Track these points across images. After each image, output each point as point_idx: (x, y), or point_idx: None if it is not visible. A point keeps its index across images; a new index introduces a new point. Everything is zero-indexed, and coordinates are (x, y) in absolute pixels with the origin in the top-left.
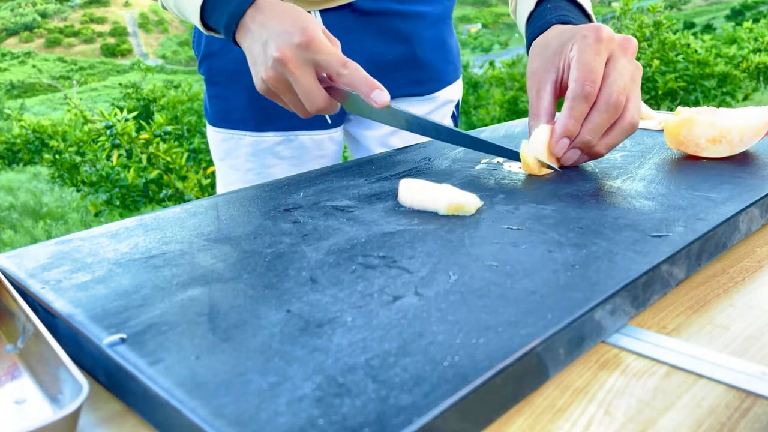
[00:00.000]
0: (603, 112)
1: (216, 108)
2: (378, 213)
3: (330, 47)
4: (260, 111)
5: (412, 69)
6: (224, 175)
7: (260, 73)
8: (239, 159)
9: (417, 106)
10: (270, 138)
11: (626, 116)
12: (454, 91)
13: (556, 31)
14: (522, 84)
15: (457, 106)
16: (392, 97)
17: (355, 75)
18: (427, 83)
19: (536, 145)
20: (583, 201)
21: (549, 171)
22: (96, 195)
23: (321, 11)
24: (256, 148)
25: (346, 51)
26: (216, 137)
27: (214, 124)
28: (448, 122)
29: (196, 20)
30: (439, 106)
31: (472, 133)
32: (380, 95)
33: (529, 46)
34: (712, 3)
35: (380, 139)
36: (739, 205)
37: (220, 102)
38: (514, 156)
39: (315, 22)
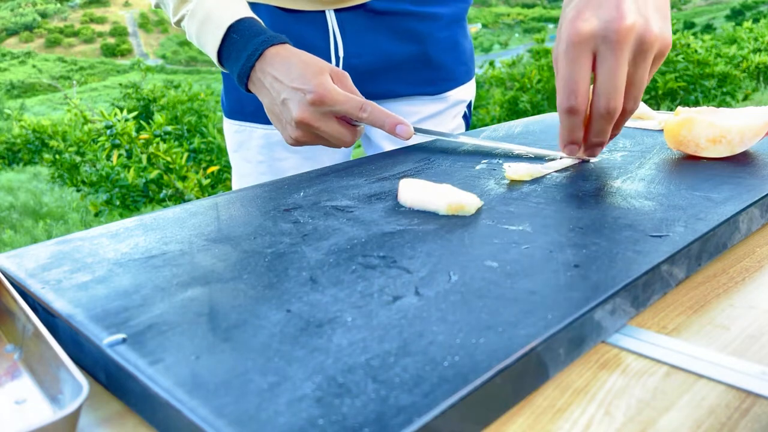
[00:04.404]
0: (600, 119)
1: (231, 100)
2: (378, 213)
3: (343, 95)
4: None
5: (424, 69)
6: (237, 166)
7: (288, 131)
8: (251, 151)
9: (429, 105)
10: None
11: (626, 108)
12: (467, 92)
13: (570, 6)
14: (522, 84)
15: (469, 106)
16: (404, 96)
17: (375, 114)
18: (439, 83)
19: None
20: (583, 201)
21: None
22: (96, 195)
23: (335, 11)
24: (268, 141)
25: (359, 50)
26: (230, 129)
27: (229, 116)
28: (459, 122)
29: (216, 63)
30: (451, 106)
31: (472, 133)
32: (404, 129)
33: None
34: (712, 3)
35: (389, 134)
36: (739, 205)
37: (235, 94)
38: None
39: (322, 70)
